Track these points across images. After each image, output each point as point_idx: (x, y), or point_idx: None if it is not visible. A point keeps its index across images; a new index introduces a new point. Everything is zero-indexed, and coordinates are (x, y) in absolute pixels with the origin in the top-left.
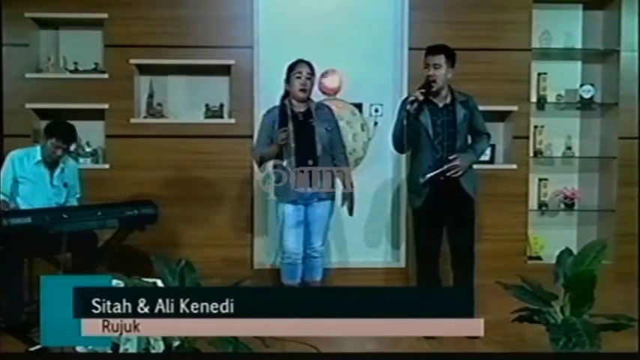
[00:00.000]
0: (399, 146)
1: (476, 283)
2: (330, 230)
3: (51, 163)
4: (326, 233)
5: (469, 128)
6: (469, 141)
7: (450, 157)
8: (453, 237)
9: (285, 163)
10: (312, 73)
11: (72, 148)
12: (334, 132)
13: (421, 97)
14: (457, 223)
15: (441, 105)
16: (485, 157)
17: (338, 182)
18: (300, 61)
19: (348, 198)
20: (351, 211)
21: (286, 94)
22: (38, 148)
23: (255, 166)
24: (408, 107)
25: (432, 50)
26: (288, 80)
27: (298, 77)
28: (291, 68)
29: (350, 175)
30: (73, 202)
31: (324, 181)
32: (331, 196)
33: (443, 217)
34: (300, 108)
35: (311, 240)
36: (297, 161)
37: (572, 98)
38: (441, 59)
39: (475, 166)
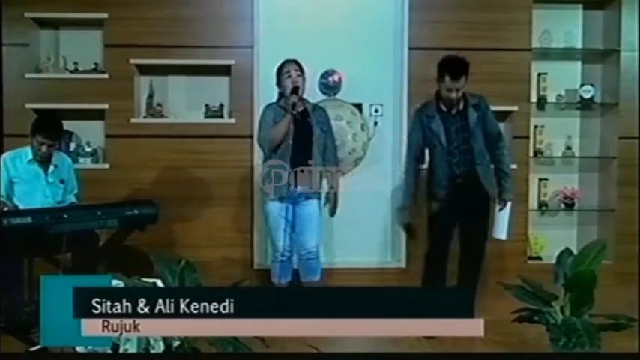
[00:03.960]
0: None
1: (480, 284)
2: (330, 230)
3: (42, 160)
4: (319, 233)
5: (483, 129)
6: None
7: (500, 206)
8: (468, 236)
9: (275, 161)
10: (300, 70)
11: (60, 144)
12: (328, 134)
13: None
14: (475, 223)
15: (453, 112)
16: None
17: (324, 183)
18: (287, 61)
19: (332, 199)
20: (332, 213)
21: (280, 97)
22: (29, 147)
23: (257, 162)
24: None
25: (454, 73)
26: (278, 81)
27: (288, 76)
28: (280, 69)
29: (337, 177)
30: (71, 199)
31: (315, 180)
32: (318, 196)
33: (460, 217)
34: (297, 107)
35: (303, 241)
36: (292, 159)
37: (572, 98)
38: (462, 81)
39: None
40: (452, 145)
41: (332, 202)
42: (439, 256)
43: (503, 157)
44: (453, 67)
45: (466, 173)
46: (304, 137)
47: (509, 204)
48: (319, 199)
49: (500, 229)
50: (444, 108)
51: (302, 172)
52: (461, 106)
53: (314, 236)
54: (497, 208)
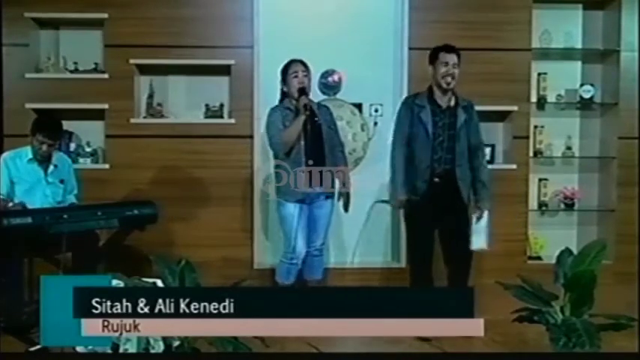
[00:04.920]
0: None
1: (472, 282)
2: (331, 230)
3: (42, 160)
4: (327, 232)
5: (467, 132)
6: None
7: (477, 215)
8: (447, 237)
9: (289, 163)
10: (307, 70)
11: (60, 144)
12: (334, 131)
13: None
14: (452, 223)
15: (444, 106)
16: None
17: (337, 181)
18: (293, 61)
19: (345, 196)
20: (346, 209)
21: (283, 98)
22: (29, 147)
23: (257, 162)
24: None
25: (450, 49)
26: (284, 81)
27: (295, 76)
28: (286, 69)
29: (348, 174)
30: (71, 199)
31: (330, 179)
32: (333, 195)
33: (438, 216)
34: (309, 108)
35: (313, 238)
36: (306, 160)
37: (572, 98)
38: (456, 58)
39: None
40: (437, 140)
41: (345, 198)
42: (422, 257)
43: (482, 167)
44: (445, 45)
45: (445, 172)
46: (315, 137)
47: (486, 213)
48: (333, 198)
49: (481, 240)
50: (436, 99)
51: (318, 172)
52: (452, 102)
53: (323, 234)
54: (475, 217)
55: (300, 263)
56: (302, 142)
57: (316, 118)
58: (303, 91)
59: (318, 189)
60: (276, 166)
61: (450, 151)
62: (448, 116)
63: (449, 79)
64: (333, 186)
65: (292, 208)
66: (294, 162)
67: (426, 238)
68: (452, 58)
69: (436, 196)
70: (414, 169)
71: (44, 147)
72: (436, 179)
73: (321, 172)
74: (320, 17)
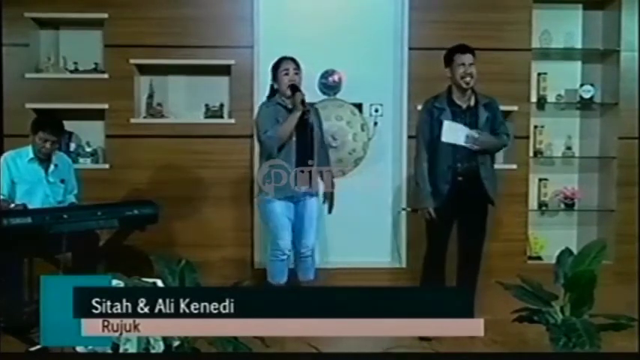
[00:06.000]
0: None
1: (479, 284)
2: (329, 230)
3: (43, 159)
4: (316, 232)
5: (491, 130)
6: None
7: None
8: (465, 238)
9: (283, 161)
10: (298, 68)
11: (61, 142)
12: (321, 132)
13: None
14: (474, 222)
15: (464, 107)
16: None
17: (320, 182)
18: (284, 58)
19: (329, 197)
20: (330, 210)
21: (272, 94)
22: (30, 146)
23: (257, 162)
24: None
25: (464, 49)
26: (275, 78)
27: (286, 73)
28: (277, 66)
29: (331, 175)
30: (71, 199)
31: (318, 179)
32: (319, 194)
33: (460, 215)
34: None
35: (303, 238)
36: (297, 158)
37: (572, 98)
38: (471, 58)
39: None
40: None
41: (329, 199)
42: (438, 257)
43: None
44: (459, 45)
45: (468, 171)
46: (305, 135)
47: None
48: (319, 197)
49: None
50: (455, 100)
51: (307, 170)
52: (472, 102)
53: (313, 235)
54: None
55: (289, 261)
56: (294, 139)
57: (307, 117)
58: (296, 88)
59: (305, 188)
60: (271, 165)
61: (472, 151)
62: (469, 116)
63: (468, 78)
64: (320, 185)
65: (278, 205)
66: (285, 159)
67: (446, 238)
68: (468, 58)
69: (460, 196)
70: (438, 171)
71: (48, 144)
72: (460, 178)
73: (310, 172)
74: (320, 17)
